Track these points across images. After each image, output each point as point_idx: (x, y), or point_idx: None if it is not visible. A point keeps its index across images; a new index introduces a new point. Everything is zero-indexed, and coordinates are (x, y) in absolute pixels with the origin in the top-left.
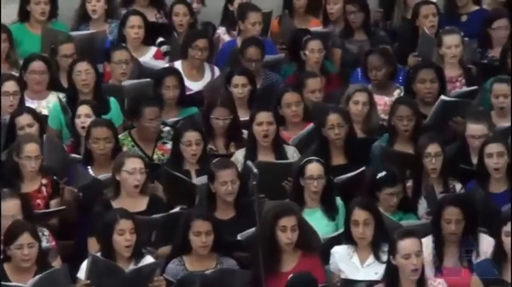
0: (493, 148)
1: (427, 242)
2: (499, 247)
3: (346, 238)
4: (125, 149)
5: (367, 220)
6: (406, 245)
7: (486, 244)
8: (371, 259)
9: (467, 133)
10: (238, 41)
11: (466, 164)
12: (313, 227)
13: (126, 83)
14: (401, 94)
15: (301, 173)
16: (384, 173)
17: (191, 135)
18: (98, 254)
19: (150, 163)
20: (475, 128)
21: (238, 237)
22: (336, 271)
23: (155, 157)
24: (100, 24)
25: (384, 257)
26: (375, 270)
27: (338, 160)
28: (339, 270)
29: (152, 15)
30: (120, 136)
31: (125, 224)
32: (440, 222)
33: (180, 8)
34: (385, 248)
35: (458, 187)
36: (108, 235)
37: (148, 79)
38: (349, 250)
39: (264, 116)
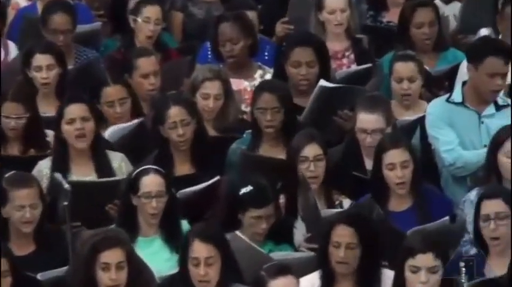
0: (395, 156)
1: (312, 281)
2: (399, 285)
3: (182, 280)
4: None
5: (211, 258)
6: (279, 285)
7: (390, 282)
8: None
9: (357, 126)
10: (39, 6)
11: (358, 171)
12: (147, 263)
13: None
14: (267, 77)
15: (134, 189)
16: (249, 188)
17: None
18: None
19: None
20: (366, 119)
21: (39, 277)
22: None
23: None
24: None
25: None
26: None
27: (183, 168)
28: None
29: None
30: None
31: None
32: (327, 248)
33: None
34: None
35: (346, 203)
36: None
37: None
38: None
39: (76, 110)
